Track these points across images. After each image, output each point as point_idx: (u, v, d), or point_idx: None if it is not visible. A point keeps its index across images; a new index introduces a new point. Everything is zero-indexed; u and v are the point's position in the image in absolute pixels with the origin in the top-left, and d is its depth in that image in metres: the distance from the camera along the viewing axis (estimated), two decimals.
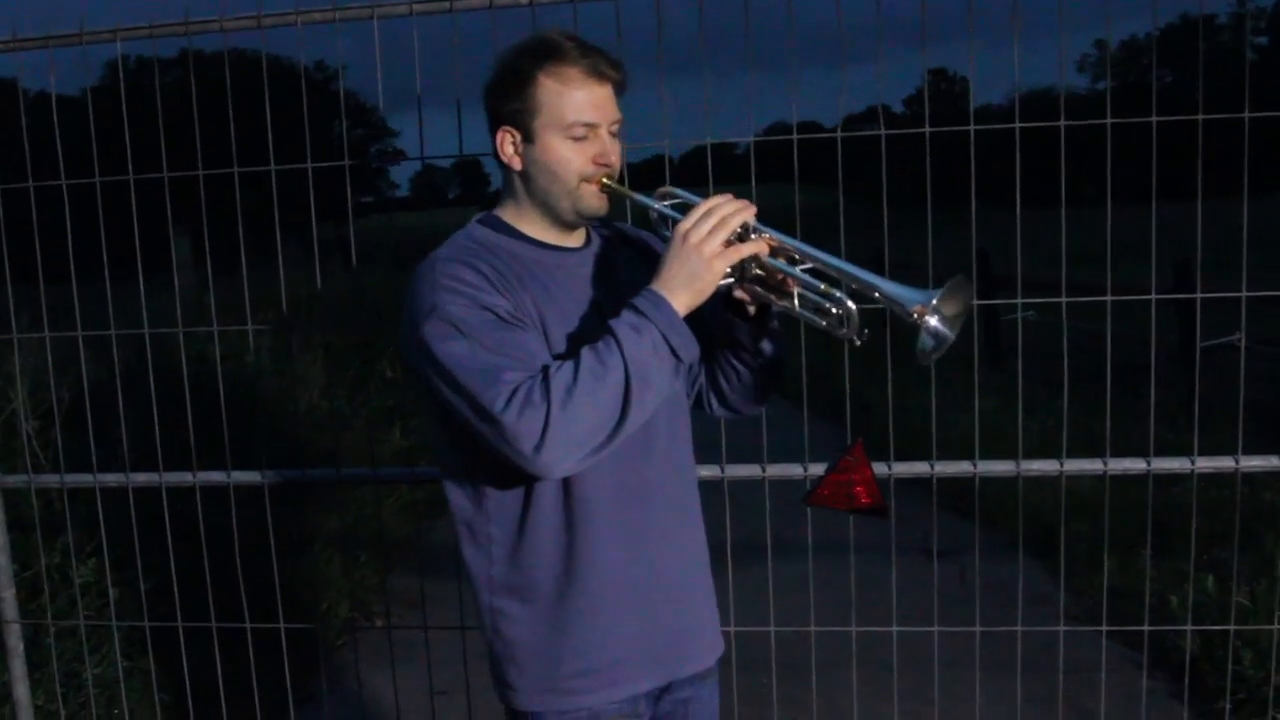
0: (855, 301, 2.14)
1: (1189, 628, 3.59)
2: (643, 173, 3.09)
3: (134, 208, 3.50)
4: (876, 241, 3.69)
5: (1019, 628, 3.33)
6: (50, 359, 3.65)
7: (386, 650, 3.69)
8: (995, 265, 11.07)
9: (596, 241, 2.48)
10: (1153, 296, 3.19)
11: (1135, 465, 3.25)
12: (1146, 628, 3.39)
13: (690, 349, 2.17)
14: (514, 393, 2.08)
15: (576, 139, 2.29)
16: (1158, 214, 3.04)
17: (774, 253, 2.22)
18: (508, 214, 2.41)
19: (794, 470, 3.36)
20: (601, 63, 2.29)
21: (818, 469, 3.29)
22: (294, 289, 3.74)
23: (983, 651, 3.34)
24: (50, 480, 3.70)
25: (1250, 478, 5.29)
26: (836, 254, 2.20)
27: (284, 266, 3.58)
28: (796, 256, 2.22)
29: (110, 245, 3.46)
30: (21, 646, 3.77)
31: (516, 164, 2.35)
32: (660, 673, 2.42)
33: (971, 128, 3.12)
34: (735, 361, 2.49)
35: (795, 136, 3.24)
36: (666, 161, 3.14)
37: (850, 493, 3.24)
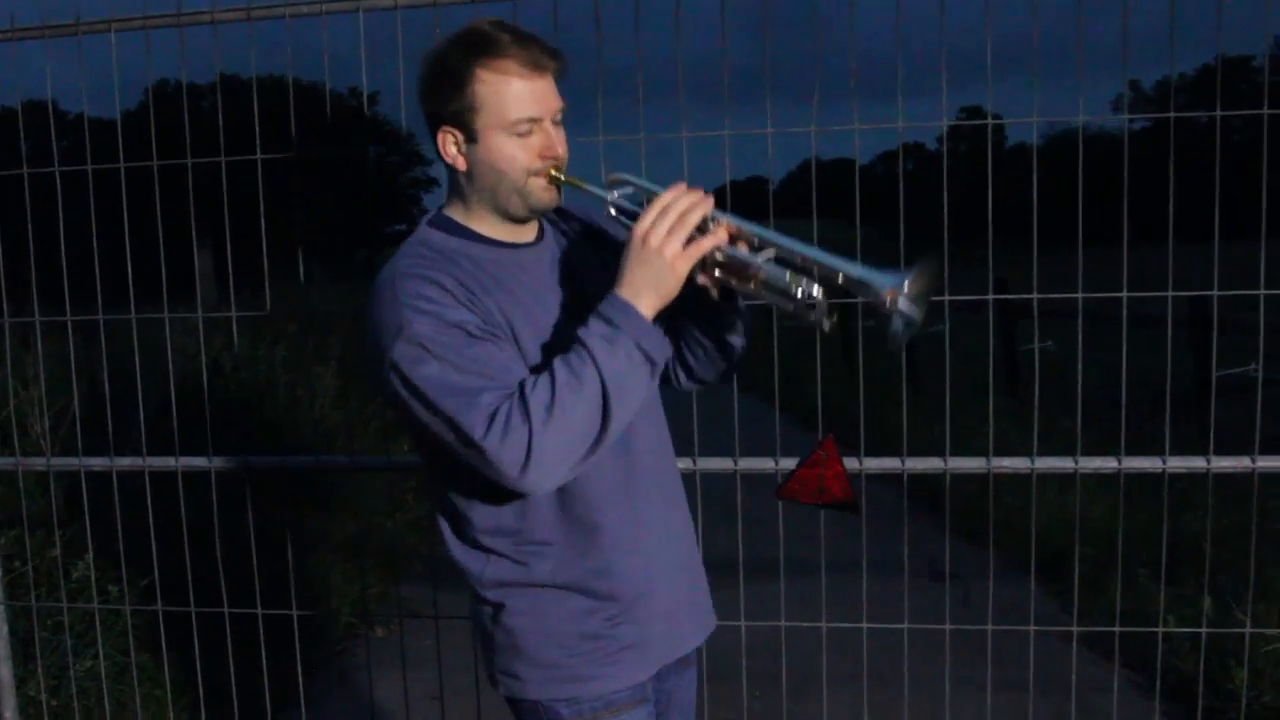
0: (823, 287, 2.12)
1: (1160, 629, 3.54)
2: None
3: (160, 229, 3.55)
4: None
5: (990, 626, 3.32)
6: (74, 356, 3.68)
7: (384, 655, 3.69)
8: (1013, 292, 11.05)
9: (549, 232, 2.45)
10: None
11: (1107, 464, 3.25)
12: (1117, 629, 3.36)
13: (664, 351, 2.16)
14: (493, 417, 2.06)
15: (521, 134, 2.24)
16: (1180, 252, 3.05)
17: (734, 240, 2.20)
18: (458, 213, 2.36)
19: (765, 464, 3.36)
20: (539, 53, 2.23)
21: (789, 463, 3.30)
22: (319, 306, 3.78)
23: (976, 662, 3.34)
24: (37, 463, 3.76)
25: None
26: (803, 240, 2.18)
27: (309, 286, 3.63)
28: (757, 242, 2.19)
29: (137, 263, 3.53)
30: (6, 628, 3.81)
31: (461, 164, 2.29)
32: (664, 653, 2.41)
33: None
34: (700, 335, 2.47)
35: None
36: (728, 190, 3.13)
37: (821, 487, 3.25)
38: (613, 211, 2.41)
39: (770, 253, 2.19)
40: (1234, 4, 3.00)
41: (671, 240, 2.13)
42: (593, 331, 2.12)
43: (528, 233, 2.39)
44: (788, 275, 2.15)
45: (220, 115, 3.36)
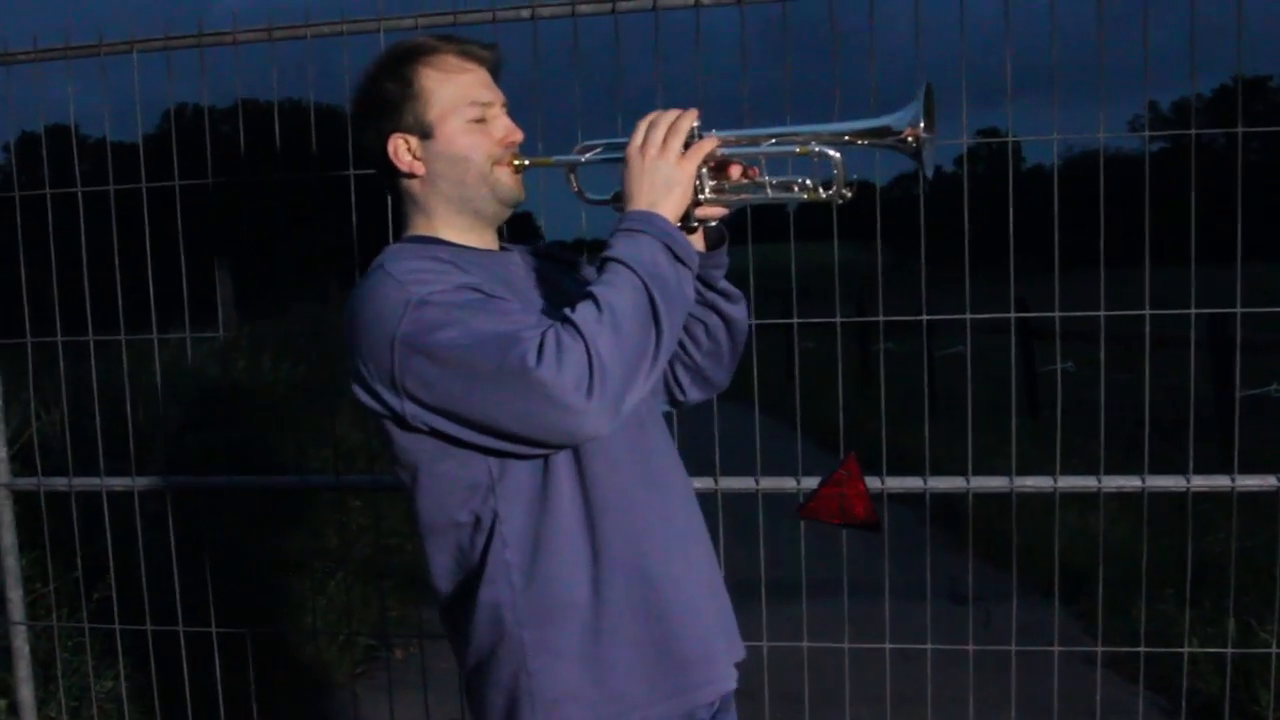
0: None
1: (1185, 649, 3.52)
2: None
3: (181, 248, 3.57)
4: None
5: (1014, 647, 3.30)
6: (96, 365, 3.69)
7: (404, 677, 3.67)
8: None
9: (515, 250, 2.32)
10: (1191, 310, 3.17)
11: (1130, 482, 3.23)
12: (1142, 649, 3.33)
13: (692, 253, 2.04)
14: (542, 345, 1.88)
15: (476, 121, 2.15)
16: (1201, 272, 3.04)
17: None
18: (421, 228, 2.22)
19: (787, 483, 3.35)
20: (471, 46, 2.18)
21: (811, 483, 3.29)
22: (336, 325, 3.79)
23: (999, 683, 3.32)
24: (58, 483, 3.76)
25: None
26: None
27: (325, 305, 3.65)
28: (748, 141, 2.13)
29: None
30: (27, 649, 3.82)
31: (419, 168, 2.17)
32: (720, 674, 2.20)
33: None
34: (699, 316, 2.35)
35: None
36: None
37: (843, 506, 3.23)
38: (585, 159, 2.27)
39: (770, 143, 2.13)
40: (1250, 26, 2.99)
41: (671, 142, 2.06)
42: (618, 242, 2.00)
43: (493, 242, 2.28)
44: (796, 149, 2.10)
45: (241, 135, 3.38)
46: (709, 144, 2.10)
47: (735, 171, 2.19)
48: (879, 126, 2.07)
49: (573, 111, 3.08)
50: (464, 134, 2.15)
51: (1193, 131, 3.10)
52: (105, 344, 3.66)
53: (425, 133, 2.15)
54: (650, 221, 2.02)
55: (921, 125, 2.03)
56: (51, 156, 3.65)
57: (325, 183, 3.54)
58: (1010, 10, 3.05)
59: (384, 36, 3.29)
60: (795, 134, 2.11)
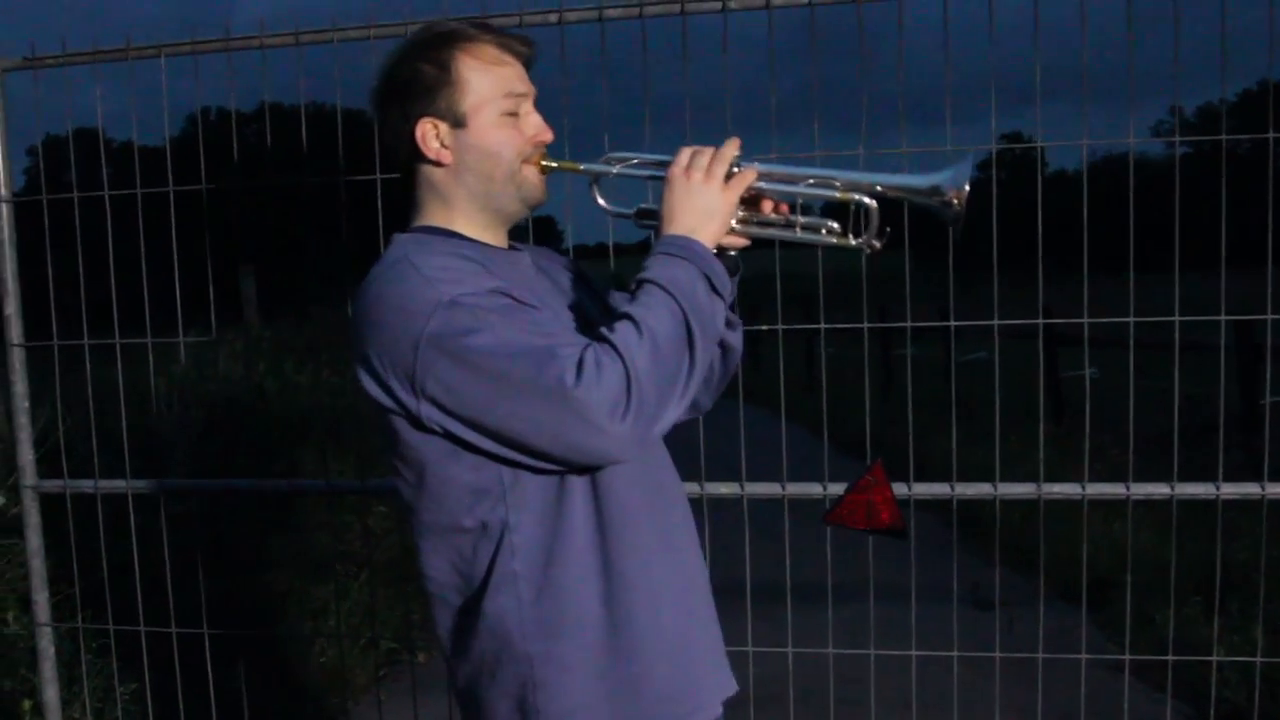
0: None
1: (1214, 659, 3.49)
2: None
3: (209, 253, 3.58)
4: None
5: (1041, 655, 3.28)
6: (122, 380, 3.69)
7: (426, 680, 3.67)
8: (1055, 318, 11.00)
9: (523, 249, 2.28)
10: (1222, 317, 3.15)
11: (1159, 490, 3.20)
12: (1170, 658, 3.31)
13: (727, 286, 2.03)
14: (580, 363, 1.84)
15: (509, 114, 2.11)
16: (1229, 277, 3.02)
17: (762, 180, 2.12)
18: (438, 218, 2.16)
19: (813, 489, 3.33)
20: (510, 39, 2.14)
21: (837, 488, 3.27)
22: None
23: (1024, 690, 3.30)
24: (85, 485, 3.77)
25: None
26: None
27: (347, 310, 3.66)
28: (787, 178, 2.12)
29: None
30: (53, 650, 3.83)
31: (446, 157, 2.11)
32: (720, 688, 2.20)
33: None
34: None
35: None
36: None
37: (870, 512, 3.22)
38: (615, 170, 2.24)
39: (808, 183, 2.12)
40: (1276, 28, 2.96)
41: (716, 169, 2.05)
42: (658, 267, 1.98)
43: (504, 241, 2.24)
44: (836, 194, 2.08)
45: (268, 137, 3.39)
46: (750, 175, 2.09)
47: (767, 206, 2.18)
48: (929, 185, 2.04)
49: (599, 115, 3.07)
50: (497, 128, 2.11)
51: (1224, 138, 3.08)
52: (124, 346, 3.66)
53: (458, 121, 2.11)
54: (691, 249, 2.01)
55: (967, 189, 2.01)
56: (76, 160, 3.66)
57: (348, 187, 3.54)
58: (1039, 15, 3.04)
59: None
60: (835, 178, 2.10)
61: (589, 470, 2.01)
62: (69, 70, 3.63)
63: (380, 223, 3.36)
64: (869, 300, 3.20)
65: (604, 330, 1.92)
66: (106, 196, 3.59)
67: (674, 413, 1.95)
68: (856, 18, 3.18)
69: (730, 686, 2.24)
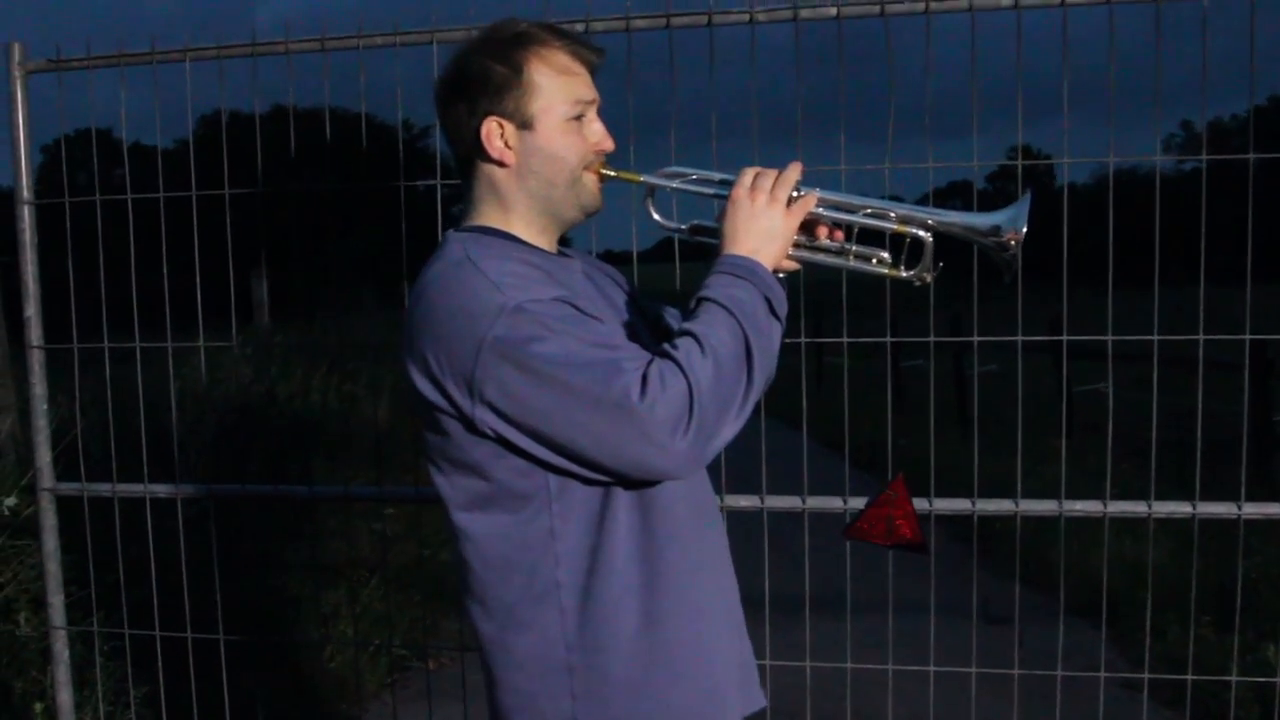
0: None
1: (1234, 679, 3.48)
2: None
3: (230, 254, 3.57)
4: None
5: (1060, 672, 3.26)
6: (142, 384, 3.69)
7: (437, 687, 3.66)
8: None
9: (575, 256, 2.28)
10: (1246, 336, 3.15)
11: (1180, 509, 3.19)
12: (1190, 677, 3.30)
13: (785, 309, 2.04)
14: (645, 378, 1.84)
15: (575, 119, 2.12)
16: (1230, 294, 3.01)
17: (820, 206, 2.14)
18: (495, 219, 2.16)
19: (834, 503, 3.32)
20: (581, 48, 2.15)
21: (858, 503, 3.26)
22: (371, 336, 3.78)
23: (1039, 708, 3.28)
24: (102, 489, 3.76)
25: None
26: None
27: (363, 316, 3.64)
28: (845, 206, 2.14)
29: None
30: (68, 653, 3.81)
31: (510, 158, 2.11)
32: (747, 701, 2.20)
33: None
34: None
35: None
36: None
37: (890, 527, 3.21)
38: (675, 185, 2.25)
39: (865, 212, 2.13)
40: None
41: (780, 192, 2.07)
42: (721, 286, 1.98)
43: (555, 247, 2.24)
44: (892, 226, 2.10)
45: (292, 142, 3.38)
46: (811, 200, 2.11)
47: (823, 232, 2.19)
48: (989, 225, 2.05)
49: (625, 125, 3.06)
50: (563, 133, 2.12)
51: (1251, 156, 3.07)
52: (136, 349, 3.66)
53: (525, 124, 2.10)
54: (754, 271, 2.02)
55: (1024, 230, 2.00)
56: (88, 163, 3.66)
57: (369, 192, 3.54)
58: (1066, 29, 3.03)
59: (437, 48, 3.28)
60: (891, 210, 2.11)
61: (641, 485, 2.00)
62: (90, 73, 3.62)
63: (404, 228, 3.36)
64: (882, 313, 3.19)
65: (667, 346, 1.92)
66: (129, 200, 3.59)
67: (730, 432, 1.93)
68: (883, 26, 3.17)
69: (759, 701, 2.24)
